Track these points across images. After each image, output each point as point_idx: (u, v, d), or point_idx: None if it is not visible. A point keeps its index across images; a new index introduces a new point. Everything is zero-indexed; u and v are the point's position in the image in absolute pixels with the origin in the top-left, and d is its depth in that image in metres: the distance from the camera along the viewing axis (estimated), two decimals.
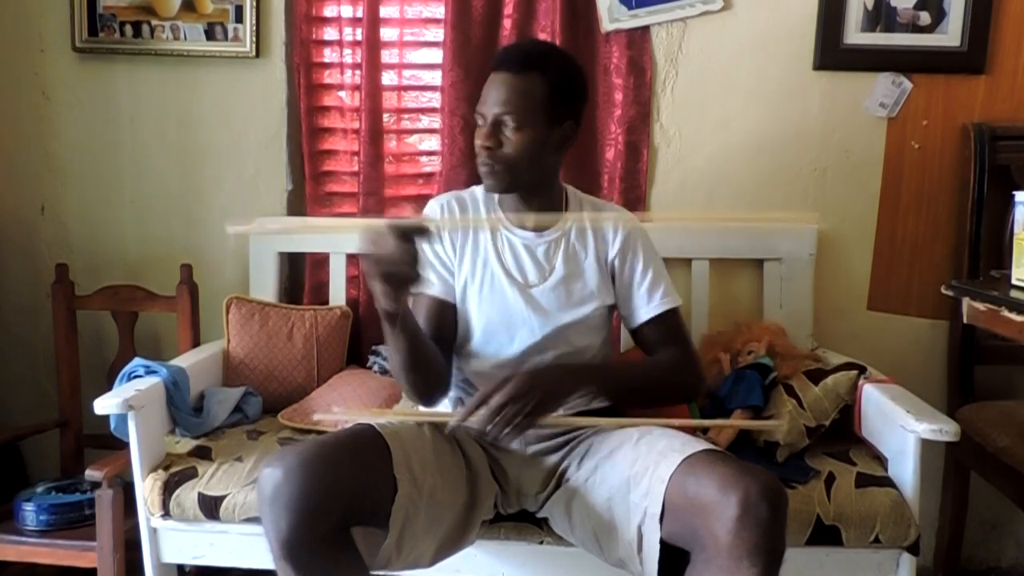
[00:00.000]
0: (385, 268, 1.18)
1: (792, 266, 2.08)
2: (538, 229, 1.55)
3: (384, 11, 2.13)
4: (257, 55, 2.15)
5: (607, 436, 1.45)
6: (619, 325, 2.05)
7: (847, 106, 2.09)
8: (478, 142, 1.46)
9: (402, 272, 1.19)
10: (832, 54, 2.06)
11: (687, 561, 1.23)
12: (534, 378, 1.34)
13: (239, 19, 2.13)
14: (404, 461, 1.31)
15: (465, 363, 1.56)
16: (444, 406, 1.58)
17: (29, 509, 1.78)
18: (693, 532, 1.21)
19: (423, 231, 1.20)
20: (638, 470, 1.31)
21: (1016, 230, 1.55)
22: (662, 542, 1.24)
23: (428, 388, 1.46)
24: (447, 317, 1.53)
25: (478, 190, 1.62)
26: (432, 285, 1.53)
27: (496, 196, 1.58)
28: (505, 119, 1.44)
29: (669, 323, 1.55)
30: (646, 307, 1.55)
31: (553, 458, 1.50)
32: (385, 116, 2.17)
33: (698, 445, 1.30)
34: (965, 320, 1.62)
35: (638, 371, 1.57)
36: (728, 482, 1.16)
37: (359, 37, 2.13)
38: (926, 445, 1.52)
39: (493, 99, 1.45)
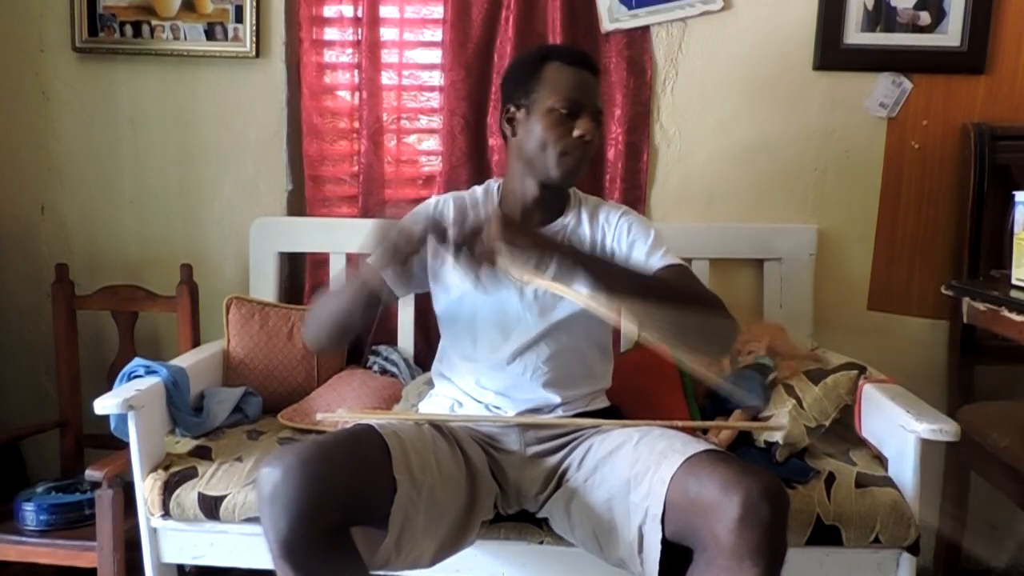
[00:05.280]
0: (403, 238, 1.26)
1: (792, 266, 2.08)
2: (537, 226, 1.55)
3: (384, 11, 2.13)
4: (257, 55, 2.15)
5: (607, 436, 1.45)
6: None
7: (847, 106, 2.09)
8: (580, 132, 1.44)
9: (413, 246, 1.26)
10: (832, 54, 2.06)
11: (688, 561, 1.23)
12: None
13: (239, 19, 2.13)
14: (403, 461, 1.31)
15: (460, 365, 1.56)
16: (442, 408, 1.58)
17: (29, 509, 1.78)
18: (694, 532, 1.21)
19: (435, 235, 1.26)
20: (639, 470, 1.31)
21: (1016, 230, 1.56)
22: (664, 541, 1.24)
23: (332, 344, 1.57)
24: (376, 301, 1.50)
25: (477, 190, 1.62)
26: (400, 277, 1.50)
27: (497, 196, 1.58)
28: (598, 116, 1.49)
29: (681, 275, 1.46)
30: (646, 263, 1.47)
31: (553, 459, 1.50)
32: (385, 116, 2.17)
33: (699, 446, 1.30)
34: (965, 320, 1.62)
35: (659, 281, 1.43)
36: (730, 482, 1.16)
37: (359, 37, 2.13)
38: (926, 445, 1.52)
39: (591, 94, 1.48)
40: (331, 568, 1.23)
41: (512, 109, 1.51)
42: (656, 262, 1.48)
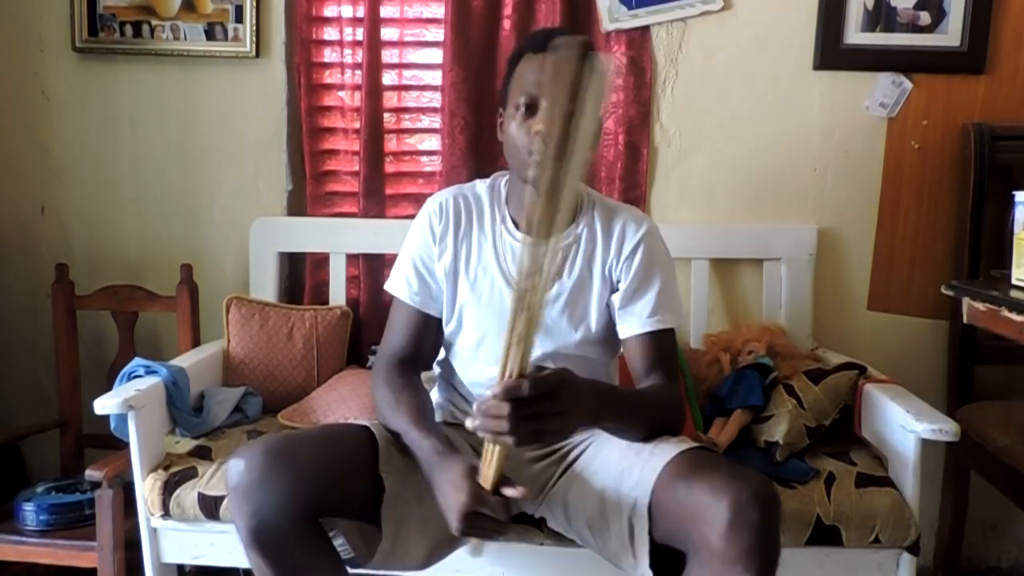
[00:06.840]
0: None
1: (792, 266, 2.08)
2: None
3: (384, 11, 2.13)
4: (257, 55, 2.15)
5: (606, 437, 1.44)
6: None
7: (847, 106, 2.09)
8: (536, 128, 1.30)
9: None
10: (832, 54, 2.06)
11: (684, 563, 1.23)
12: (574, 397, 1.17)
13: (239, 19, 2.13)
14: (390, 460, 1.31)
15: (458, 370, 1.53)
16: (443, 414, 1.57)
17: (29, 509, 1.78)
18: (687, 535, 1.20)
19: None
20: (631, 462, 1.31)
21: (1016, 230, 1.55)
22: (656, 543, 1.24)
23: None
24: (429, 331, 1.50)
25: (480, 185, 1.55)
26: (415, 294, 1.49)
27: (503, 193, 1.52)
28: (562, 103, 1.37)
29: (661, 345, 1.44)
30: (641, 321, 1.44)
31: (548, 462, 1.48)
32: (385, 116, 2.17)
33: (690, 443, 1.30)
34: (965, 320, 1.62)
35: (635, 407, 1.39)
36: (718, 487, 1.15)
37: (359, 37, 2.13)
38: (926, 445, 1.52)
39: (554, 80, 1.29)
40: (302, 556, 1.24)
41: (500, 111, 1.47)
42: (641, 325, 1.43)
